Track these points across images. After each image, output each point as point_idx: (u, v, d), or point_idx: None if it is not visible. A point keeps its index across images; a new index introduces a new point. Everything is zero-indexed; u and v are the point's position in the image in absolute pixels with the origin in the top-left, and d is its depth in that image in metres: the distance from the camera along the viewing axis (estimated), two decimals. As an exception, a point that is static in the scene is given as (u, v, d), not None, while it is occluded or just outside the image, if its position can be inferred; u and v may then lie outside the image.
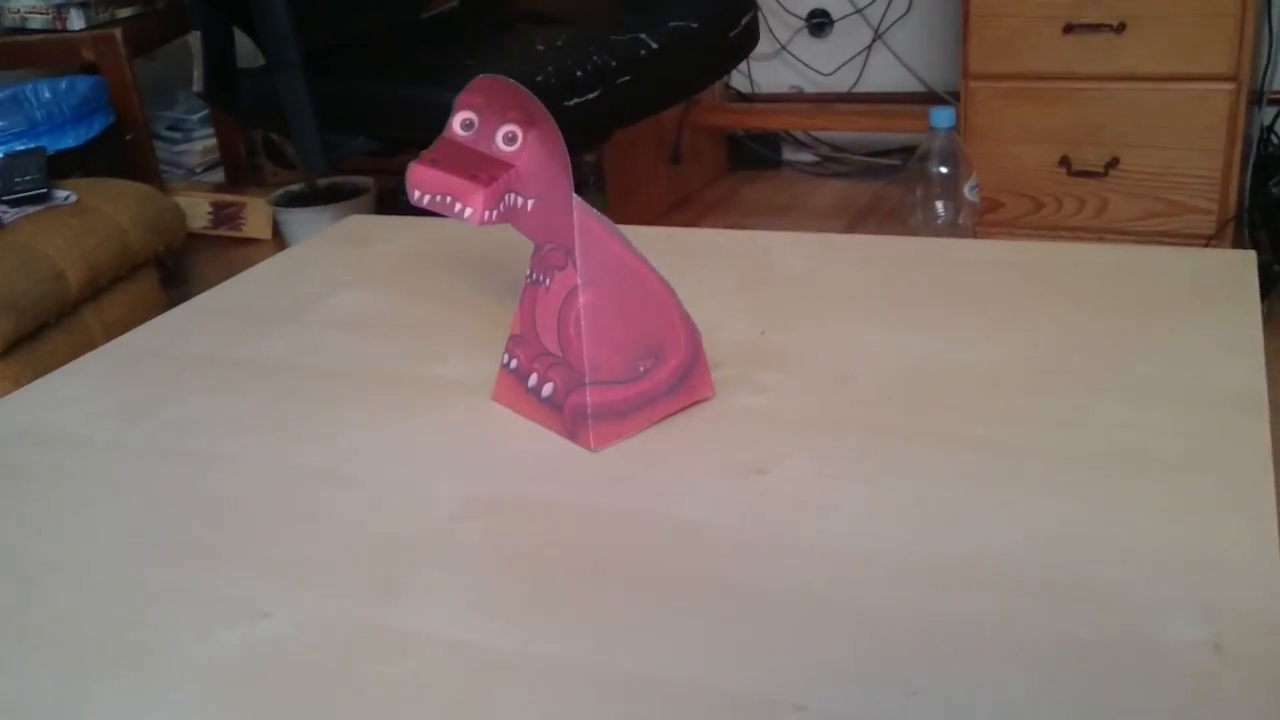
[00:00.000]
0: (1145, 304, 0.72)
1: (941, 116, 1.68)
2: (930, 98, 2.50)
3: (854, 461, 0.59)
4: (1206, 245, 1.90)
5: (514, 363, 0.67)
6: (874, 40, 2.52)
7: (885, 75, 2.54)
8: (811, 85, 2.60)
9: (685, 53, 1.54)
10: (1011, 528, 0.53)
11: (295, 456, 0.65)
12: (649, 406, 0.65)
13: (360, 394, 0.72)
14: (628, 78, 1.45)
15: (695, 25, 1.54)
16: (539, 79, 1.37)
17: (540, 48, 1.44)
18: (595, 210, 0.63)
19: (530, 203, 0.65)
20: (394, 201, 2.18)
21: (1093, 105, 1.92)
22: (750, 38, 1.63)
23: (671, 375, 0.65)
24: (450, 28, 1.64)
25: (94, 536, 0.59)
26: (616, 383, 0.63)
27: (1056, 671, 0.44)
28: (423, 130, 1.43)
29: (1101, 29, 1.87)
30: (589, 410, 0.63)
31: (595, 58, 1.43)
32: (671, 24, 1.53)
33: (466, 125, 0.66)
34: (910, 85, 2.53)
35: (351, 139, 1.45)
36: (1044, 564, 0.50)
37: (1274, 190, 2.16)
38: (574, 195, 0.62)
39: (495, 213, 0.65)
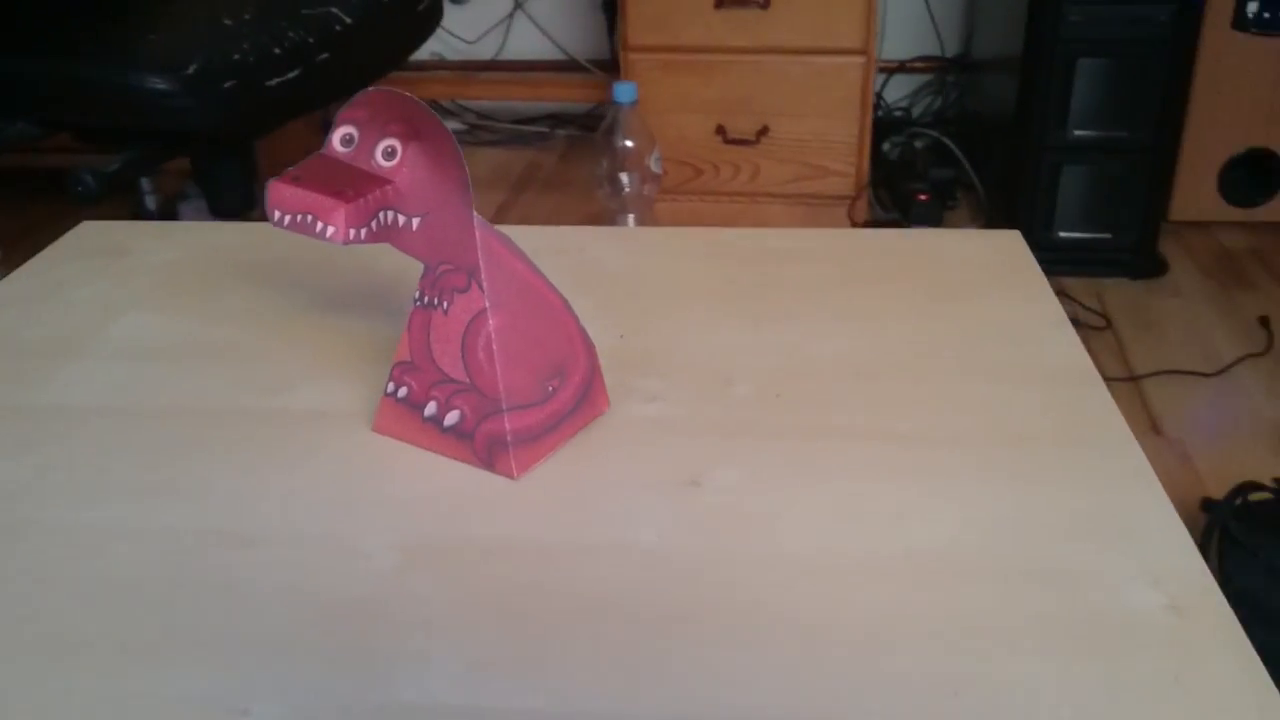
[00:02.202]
0: (954, 286, 0.79)
1: (624, 91, 1.72)
2: (573, 66, 2.54)
3: (779, 466, 0.61)
4: (851, 205, 2.09)
5: (403, 391, 0.63)
6: (515, 9, 2.52)
7: (528, 43, 2.55)
8: (454, 53, 2.56)
9: (377, 27, 1.47)
10: (953, 518, 0.57)
11: (172, 517, 0.58)
12: (559, 427, 0.63)
13: (208, 435, 0.64)
14: (326, 55, 1.37)
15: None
16: (236, 57, 1.27)
17: (228, 22, 1.33)
18: (494, 227, 0.61)
19: (415, 221, 0.61)
20: (45, 187, 1.93)
21: (744, 77, 2.04)
22: (436, 11, 1.59)
23: (575, 393, 0.64)
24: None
25: (-37, 645, 0.50)
26: (530, 406, 0.61)
27: (1055, 655, 0.49)
28: (101, 114, 1.28)
29: (748, 5, 1.99)
30: (508, 437, 0.60)
31: (291, 33, 1.34)
32: (360, -3, 1.46)
33: (346, 141, 0.61)
34: (554, 54, 2.56)
35: (10, 124, 1.27)
36: (997, 550, 0.55)
37: (888, 152, 2.40)
38: (474, 214, 0.59)
39: (364, 231, 0.61)
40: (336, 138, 0.61)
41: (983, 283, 0.80)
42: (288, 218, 0.60)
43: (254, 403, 0.67)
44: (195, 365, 0.71)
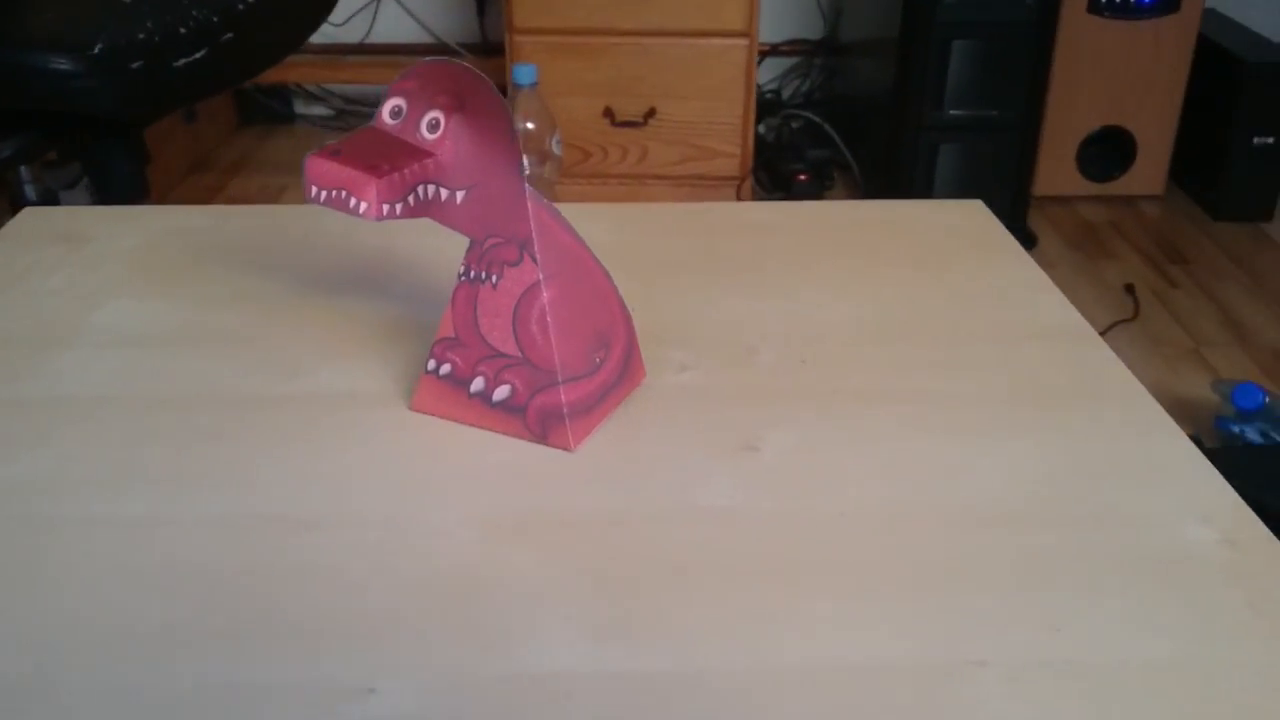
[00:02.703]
0: (936, 254, 0.82)
1: (524, 73, 1.70)
2: (443, 49, 2.50)
3: (828, 428, 0.62)
4: (740, 185, 2.12)
5: (446, 368, 0.62)
6: (384, -10, 2.46)
7: (396, 26, 2.50)
8: (320, 36, 2.49)
9: (278, 6, 1.42)
10: (1002, 470, 0.59)
11: (219, 505, 0.55)
12: (606, 398, 0.63)
13: (233, 422, 0.62)
14: (231, 35, 1.31)
15: (284, -24, 1.43)
16: (141, 36, 1.21)
17: (127, 0, 1.26)
18: (543, 198, 0.60)
19: (459, 194, 0.60)
20: None
21: (631, 59, 2.05)
22: (334, -9, 1.54)
23: (618, 363, 0.64)
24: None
25: (95, 649, 0.47)
26: (581, 378, 0.61)
27: (1135, 590, 0.52)
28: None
29: (634, -13, 1.99)
30: (564, 409, 0.60)
31: (195, 12, 1.28)
32: (259, -26, 1.40)
33: (395, 113, 0.59)
34: (423, 37, 2.51)
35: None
36: (1051, 499, 0.57)
37: (765, 134, 2.44)
38: (525, 185, 0.59)
39: (400, 206, 0.59)
40: (386, 110, 0.59)
41: (962, 250, 0.83)
42: (324, 193, 0.58)
43: (274, 388, 0.65)
44: (196, 351, 0.68)
